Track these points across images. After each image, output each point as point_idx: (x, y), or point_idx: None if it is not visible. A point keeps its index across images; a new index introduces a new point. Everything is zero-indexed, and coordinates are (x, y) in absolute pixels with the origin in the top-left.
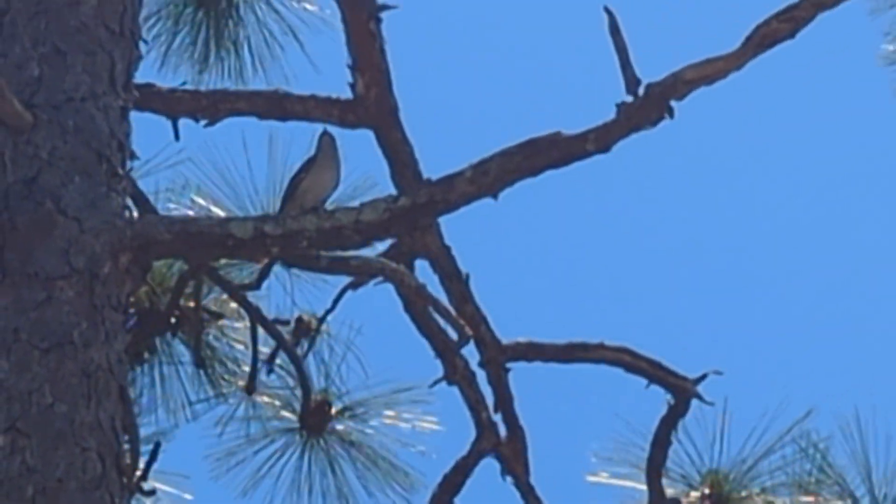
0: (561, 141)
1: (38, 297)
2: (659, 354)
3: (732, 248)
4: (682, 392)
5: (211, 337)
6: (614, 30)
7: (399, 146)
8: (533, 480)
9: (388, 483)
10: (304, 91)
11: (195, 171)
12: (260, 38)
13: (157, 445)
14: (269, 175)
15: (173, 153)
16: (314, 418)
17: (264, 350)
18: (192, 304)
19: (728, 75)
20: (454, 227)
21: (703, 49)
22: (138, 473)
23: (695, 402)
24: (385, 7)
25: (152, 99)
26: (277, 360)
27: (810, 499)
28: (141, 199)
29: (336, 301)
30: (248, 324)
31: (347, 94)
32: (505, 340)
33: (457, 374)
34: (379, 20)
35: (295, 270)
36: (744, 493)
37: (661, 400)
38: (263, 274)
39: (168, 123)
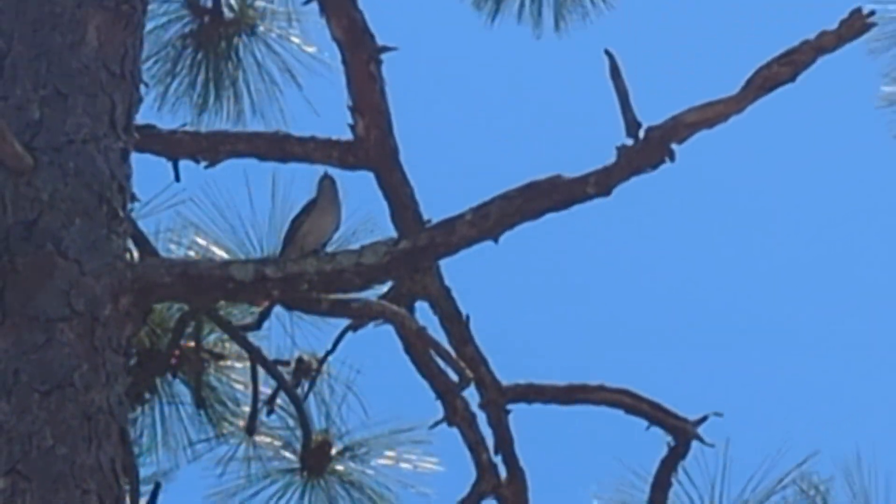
0: (561, 184)
1: (39, 340)
2: (659, 396)
3: (733, 289)
4: (682, 434)
5: (211, 377)
6: (615, 73)
7: (399, 188)
8: None
9: None
10: (304, 133)
11: (196, 212)
12: (259, 79)
13: (158, 486)
14: (269, 215)
15: (174, 194)
16: (315, 459)
17: (265, 390)
18: (192, 344)
19: (729, 119)
20: (454, 268)
21: (703, 92)
22: None
23: (695, 443)
24: (385, 49)
25: (153, 140)
26: (278, 401)
27: None
28: (141, 240)
29: (337, 342)
30: (248, 364)
31: (348, 135)
32: (505, 382)
33: (457, 415)
34: (379, 62)
35: (296, 312)
36: None
37: (661, 442)
38: (264, 315)
39: (169, 164)
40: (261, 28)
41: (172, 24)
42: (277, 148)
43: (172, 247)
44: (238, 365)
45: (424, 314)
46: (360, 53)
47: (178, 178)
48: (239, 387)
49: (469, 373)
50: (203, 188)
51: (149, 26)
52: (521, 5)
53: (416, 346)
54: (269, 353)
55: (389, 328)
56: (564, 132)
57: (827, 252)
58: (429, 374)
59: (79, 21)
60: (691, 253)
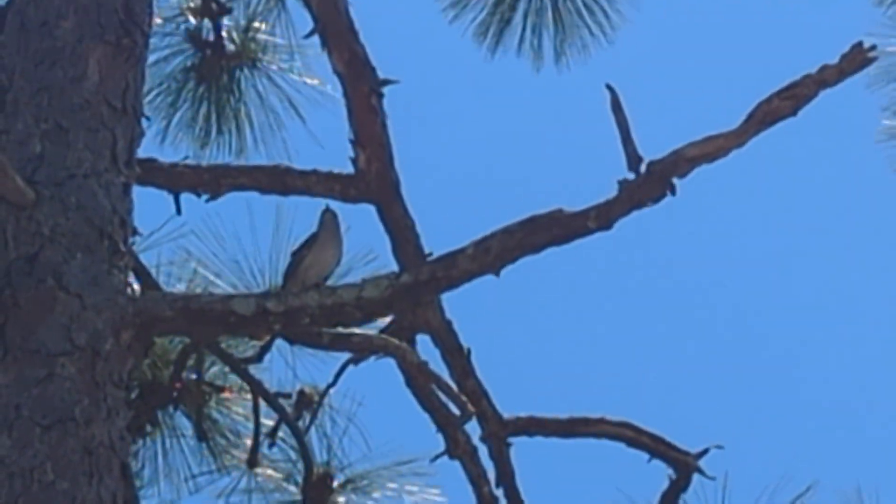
0: (562, 218)
1: (40, 374)
2: (660, 428)
3: (732, 322)
4: (683, 466)
5: (213, 410)
6: (616, 107)
7: (401, 221)
8: None
9: None
10: (305, 165)
11: (197, 244)
12: (261, 112)
13: None
14: (271, 248)
15: (176, 227)
16: (316, 491)
17: (266, 423)
18: (194, 376)
19: (730, 153)
20: (455, 301)
21: (704, 126)
22: None
23: (696, 476)
24: (387, 82)
25: (154, 173)
26: (279, 433)
27: None
28: (143, 273)
29: (338, 375)
30: (250, 397)
31: (349, 168)
32: (506, 415)
33: (458, 448)
34: (380, 95)
35: (297, 345)
36: None
37: (662, 474)
38: (265, 347)
39: (170, 197)
40: (262, 61)
41: (174, 57)
42: (279, 181)
43: (174, 279)
44: (240, 397)
45: (426, 347)
46: (362, 86)
47: (179, 212)
48: (240, 419)
49: (470, 406)
50: (204, 221)
51: (151, 59)
52: (522, 38)
53: (418, 379)
54: (271, 386)
55: (391, 360)
56: (565, 166)
57: (827, 285)
58: (430, 406)
59: (80, 55)
60: (692, 285)
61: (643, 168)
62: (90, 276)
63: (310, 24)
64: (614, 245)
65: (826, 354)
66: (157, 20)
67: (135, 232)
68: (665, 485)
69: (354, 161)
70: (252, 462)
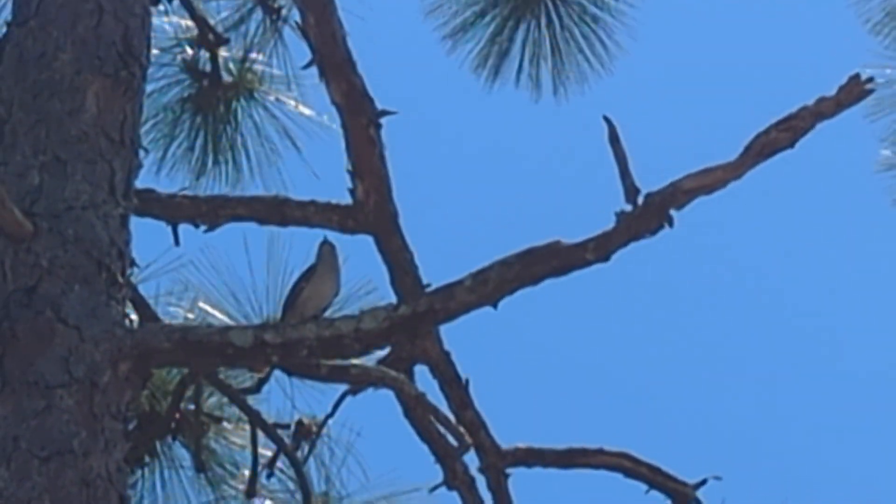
0: (560, 250)
1: (38, 406)
2: (658, 459)
3: (730, 352)
4: (681, 497)
5: (211, 440)
6: (613, 139)
7: (399, 252)
8: None
9: None
10: (303, 197)
11: (196, 275)
12: (258, 143)
13: None
14: (269, 278)
15: (174, 258)
16: None
17: (265, 453)
18: (192, 407)
19: (727, 184)
20: (454, 332)
21: (702, 157)
22: None
23: None
24: (385, 113)
25: (152, 204)
26: (278, 464)
27: None
28: (141, 304)
29: (336, 405)
30: (248, 427)
31: (347, 199)
32: (504, 446)
33: (457, 479)
34: (379, 126)
35: (295, 377)
36: None
37: None
38: (264, 378)
39: (168, 228)
40: (260, 92)
41: (171, 88)
42: (277, 212)
43: (172, 309)
44: (238, 428)
45: (424, 378)
46: (360, 118)
47: (177, 242)
48: (239, 450)
49: (468, 437)
50: (202, 252)
51: (148, 90)
52: (520, 69)
53: (416, 410)
54: (269, 417)
55: (389, 392)
56: (563, 197)
57: (825, 317)
58: (428, 437)
59: (78, 87)
60: (687, 315)
61: (641, 200)
62: (88, 308)
63: (307, 55)
64: (612, 276)
65: (822, 388)
66: (155, 51)
67: (133, 263)
68: None
69: (353, 192)
70: (250, 492)
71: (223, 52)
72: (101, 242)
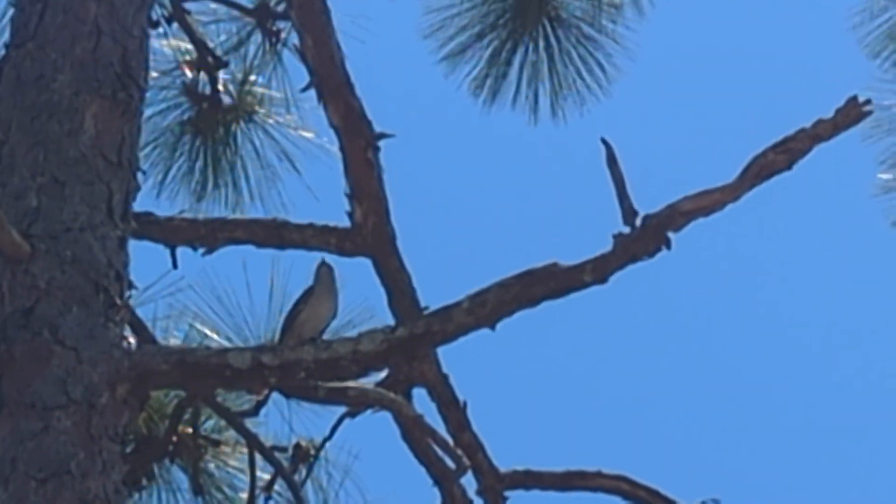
0: (558, 272)
1: (36, 428)
2: (656, 482)
3: (728, 374)
4: None
5: (209, 463)
6: (611, 161)
7: (397, 275)
8: None
9: None
10: (301, 219)
11: (194, 298)
12: (257, 165)
13: None
14: (267, 301)
15: (172, 281)
16: None
17: (262, 476)
18: (189, 430)
19: (725, 207)
20: (452, 354)
21: (700, 179)
22: None
23: None
24: (383, 136)
25: (150, 227)
26: (276, 487)
27: None
28: (139, 327)
29: (334, 428)
30: (246, 450)
31: (345, 222)
32: (502, 468)
33: (455, 502)
34: (377, 149)
35: (293, 399)
36: None
37: None
38: (262, 401)
39: (166, 251)
40: (259, 114)
41: (171, 111)
42: (275, 235)
43: (170, 333)
44: (236, 451)
45: (422, 400)
46: (358, 140)
47: (175, 265)
48: (237, 473)
49: (466, 460)
50: (201, 275)
51: (147, 113)
52: (518, 92)
53: (414, 433)
54: (267, 440)
55: (387, 414)
56: (561, 219)
57: (826, 339)
58: (426, 460)
59: (76, 109)
60: (686, 338)
61: (638, 222)
62: (86, 329)
63: (306, 78)
64: (610, 298)
65: (823, 407)
66: (154, 73)
67: (131, 285)
68: None
69: (351, 215)
70: None
71: (222, 75)
72: (98, 264)
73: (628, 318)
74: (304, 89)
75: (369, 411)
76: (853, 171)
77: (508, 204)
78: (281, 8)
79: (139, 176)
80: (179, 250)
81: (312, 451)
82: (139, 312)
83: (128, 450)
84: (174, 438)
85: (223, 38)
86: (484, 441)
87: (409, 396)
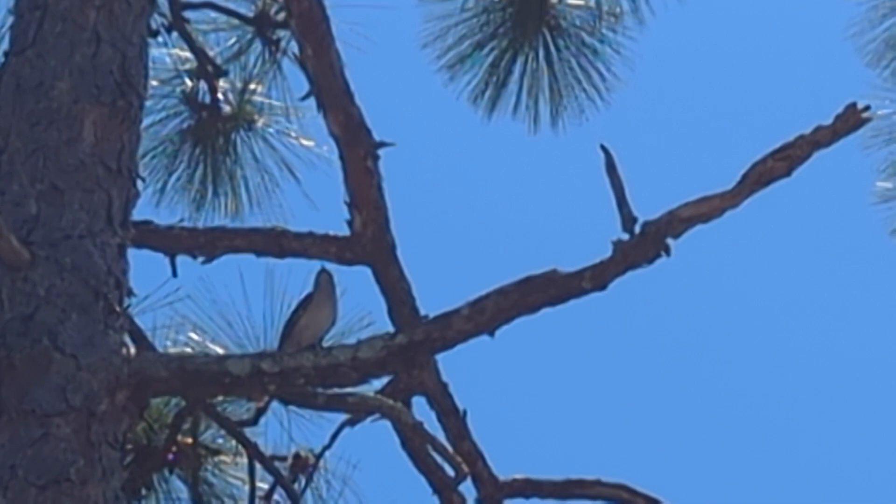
0: (557, 279)
1: (35, 434)
2: (655, 490)
3: (728, 382)
4: None
5: (208, 473)
6: (610, 168)
7: (396, 283)
8: None
9: None
10: (301, 227)
11: (193, 308)
12: (257, 174)
13: None
14: (266, 310)
15: (171, 290)
16: None
17: (262, 486)
18: (189, 440)
19: (724, 213)
20: (451, 363)
21: (699, 186)
22: None
23: None
24: (382, 144)
25: (150, 236)
26: (275, 496)
27: None
28: (139, 336)
29: (333, 437)
30: (245, 460)
31: (345, 230)
32: (502, 477)
33: None
34: (376, 157)
35: (292, 407)
36: None
37: None
38: (261, 410)
39: (166, 260)
40: (258, 123)
41: (170, 120)
42: (274, 244)
43: (169, 343)
44: (235, 461)
45: (422, 409)
46: (357, 149)
47: (175, 274)
48: (236, 482)
49: (465, 467)
50: (200, 283)
51: (147, 121)
52: (518, 100)
53: (413, 440)
54: (267, 449)
55: (386, 423)
56: (560, 226)
57: (824, 348)
58: (426, 468)
59: (75, 117)
60: (686, 346)
61: (638, 228)
62: (85, 336)
63: (306, 86)
64: (608, 305)
65: (820, 414)
66: (154, 82)
67: (130, 293)
68: None
69: (350, 223)
70: None
71: (222, 84)
72: (98, 271)
73: (628, 325)
74: (304, 98)
75: (368, 420)
76: (852, 180)
77: (508, 211)
78: (281, 17)
79: (138, 183)
80: (179, 259)
81: (312, 461)
82: (139, 321)
83: (127, 459)
84: (174, 448)
85: (223, 47)
86: (483, 450)
87: (408, 405)
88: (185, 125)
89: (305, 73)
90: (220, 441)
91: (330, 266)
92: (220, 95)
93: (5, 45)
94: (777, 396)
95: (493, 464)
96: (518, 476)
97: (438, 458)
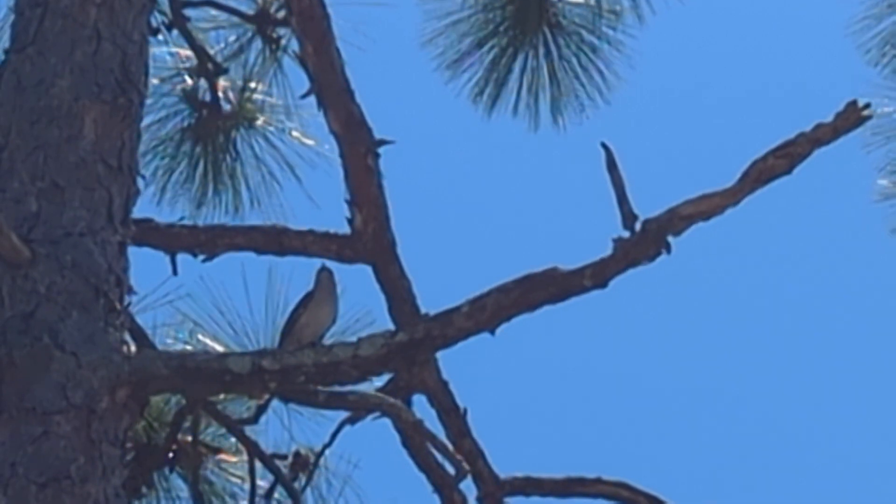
0: (558, 276)
1: (36, 432)
2: (656, 488)
3: (729, 380)
4: None
5: (209, 471)
6: (611, 165)
7: (397, 281)
8: None
9: None
10: (302, 226)
11: (193, 306)
12: (258, 172)
13: None
14: (267, 309)
15: (172, 288)
16: None
17: (262, 484)
18: (189, 438)
19: (725, 211)
20: (452, 361)
21: (699, 184)
22: None
23: None
24: (383, 142)
25: (151, 234)
26: (275, 495)
27: None
28: (139, 334)
29: (334, 436)
30: (246, 458)
31: (345, 228)
32: (502, 475)
33: None
34: (377, 155)
35: (293, 405)
36: None
37: None
38: (261, 408)
39: (166, 258)
40: (259, 121)
41: (171, 118)
42: (275, 242)
43: (170, 341)
44: (235, 459)
45: (422, 407)
46: (358, 147)
47: (175, 272)
48: (236, 481)
49: (466, 465)
50: (200, 282)
51: (147, 120)
52: (518, 98)
53: (414, 438)
54: (267, 447)
55: (387, 422)
56: (561, 224)
57: (824, 346)
58: (426, 467)
59: (76, 114)
60: (686, 343)
61: (638, 226)
62: (86, 334)
63: (306, 84)
64: (611, 303)
65: (820, 412)
66: (154, 80)
67: (131, 290)
68: None
69: (351, 221)
70: None
71: (222, 82)
72: (98, 269)
73: (628, 322)
74: (304, 96)
75: (369, 419)
76: (853, 178)
77: (508, 209)
78: (281, 14)
79: (139, 181)
80: (179, 257)
81: (312, 459)
82: (139, 320)
83: (128, 457)
84: (174, 446)
85: (223, 44)
86: (484, 447)
87: (409, 404)
88: (185, 123)
89: (306, 70)
90: (221, 439)
91: (330, 264)
92: (220, 93)
93: (6, 42)
94: (776, 394)
95: (493, 462)
96: (518, 474)
97: (439, 457)
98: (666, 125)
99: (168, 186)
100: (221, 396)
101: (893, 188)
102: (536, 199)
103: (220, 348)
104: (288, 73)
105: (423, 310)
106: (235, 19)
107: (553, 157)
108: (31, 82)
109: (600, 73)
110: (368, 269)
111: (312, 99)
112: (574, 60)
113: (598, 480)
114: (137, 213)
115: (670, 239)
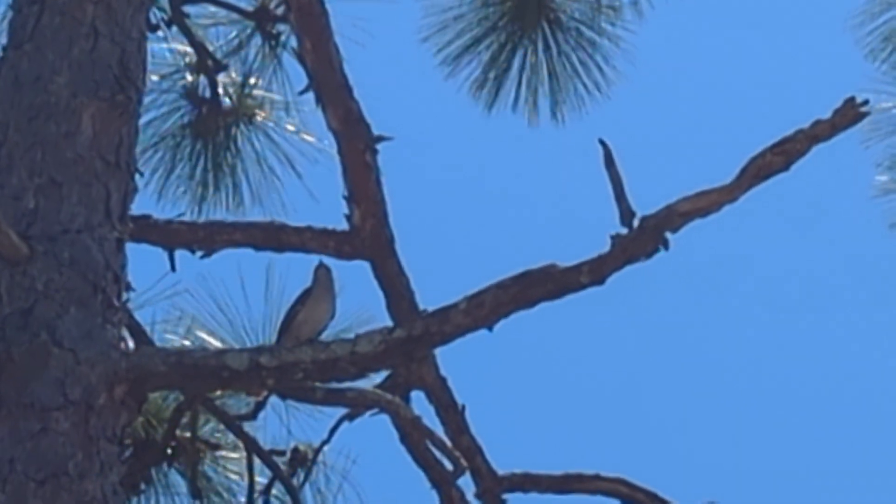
0: (555, 273)
1: (34, 428)
2: (654, 485)
3: (727, 376)
4: None
5: (207, 467)
6: (609, 162)
7: (395, 277)
8: None
9: None
10: (300, 222)
11: (191, 303)
12: (257, 168)
13: None
14: (265, 306)
15: (170, 284)
16: None
17: (261, 481)
18: (188, 434)
19: (722, 207)
20: (450, 357)
21: (697, 180)
22: None
23: None
24: (381, 138)
25: (149, 230)
26: (274, 491)
27: None
28: (137, 331)
29: (332, 432)
30: (244, 454)
31: (344, 225)
32: (501, 471)
33: None
34: (375, 151)
35: (291, 401)
36: None
37: None
38: (260, 404)
39: (164, 254)
40: (259, 117)
41: (171, 115)
42: (273, 238)
43: (168, 337)
44: (234, 455)
45: (420, 404)
46: (356, 143)
47: (173, 269)
48: (235, 477)
49: (464, 462)
50: (198, 279)
51: (147, 116)
52: (517, 94)
53: (412, 435)
54: (265, 444)
55: (385, 418)
56: (559, 220)
57: (822, 342)
58: (424, 463)
59: (74, 110)
60: (684, 341)
61: (636, 223)
62: (84, 330)
63: (305, 80)
64: (608, 299)
65: (819, 409)
66: (154, 77)
67: (129, 287)
68: None
69: (349, 218)
70: None
71: (222, 78)
72: (96, 265)
73: (626, 319)
74: (303, 92)
75: (367, 415)
76: (851, 174)
77: (506, 205)
78: (280, 11)
79: (137, 178)
80: (177, 253)
81: (310, 455)
82: (137, 316)
83: (126, 454)
84: (172, 442)
85: (223, 41)
86: (482, 444)
87: (407, 400)
88: (185, 120)
89: (304, 67)
90: (219, 435)
91: (328, 260)
92: (220, 90)
93: (3, 39)
94: (775, 390)
95: (491, 458)
96: (517, 470)
97: (437, 453)
98: (664, 121)
99: (169, 182)
100: (219, 393)
101: (892, 183)
102: (534, 195)
103: (218, 345)
104: (287, 69)
105: (421, 306)
106: (235, 16)
107: (551, 153)
108: (29, 79)
109: (599, 68)
110: (367, 266)
111: (311, 95)
112: (573, 56)
113: (597, 477)
114: (138, 209)
115: (668, 235)
